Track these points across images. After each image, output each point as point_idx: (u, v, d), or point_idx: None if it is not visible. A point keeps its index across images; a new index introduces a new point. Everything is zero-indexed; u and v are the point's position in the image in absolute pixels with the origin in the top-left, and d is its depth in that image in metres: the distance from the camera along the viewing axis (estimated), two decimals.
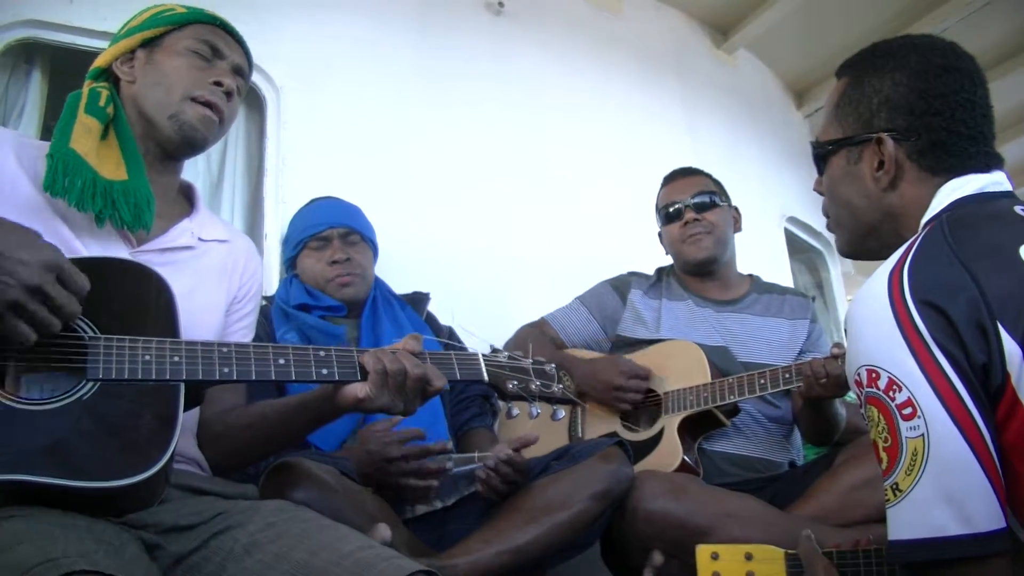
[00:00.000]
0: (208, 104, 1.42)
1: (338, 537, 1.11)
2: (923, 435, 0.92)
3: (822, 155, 1.29)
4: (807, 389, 1.96)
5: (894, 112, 1.18)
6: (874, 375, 0.97)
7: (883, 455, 0.97)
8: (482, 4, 3.28)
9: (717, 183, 2.48)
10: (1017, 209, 1.06)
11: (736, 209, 2.50)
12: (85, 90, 1.40)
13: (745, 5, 3.97)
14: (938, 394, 0.91)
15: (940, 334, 0.92)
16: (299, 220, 2.32)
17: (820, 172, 1.32)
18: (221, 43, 1.48)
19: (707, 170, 2.53)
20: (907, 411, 0.93)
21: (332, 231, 2.23)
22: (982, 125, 1.16)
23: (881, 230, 1.21)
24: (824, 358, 1.95)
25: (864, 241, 1.25)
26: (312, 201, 2.36)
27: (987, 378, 0.91)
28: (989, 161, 1.15)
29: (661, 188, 2.53)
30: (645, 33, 3.81)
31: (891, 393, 0.95)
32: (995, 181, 1.13)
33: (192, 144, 1.43)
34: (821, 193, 1.33)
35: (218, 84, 1.43)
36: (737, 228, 2.49)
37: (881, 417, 0.97)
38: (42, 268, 1.01)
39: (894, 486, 0.95)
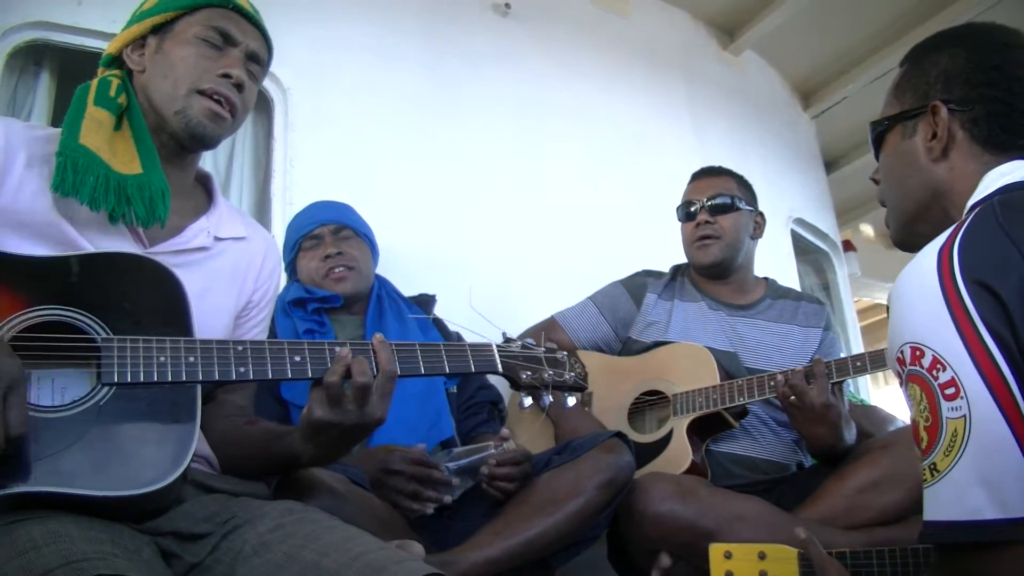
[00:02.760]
0: (216, 96, 1.34)
1: (348, 538, 1.09)
2: (965, 416, 0.90)
3: (879, 134, 1.28)
4: (786, 412, 1.98)
5: (951, 83, 1.17)
6: (918, 353, 0.95)
7: (923, 434, 0.95)
8: (489, 6, 3.28)
9: (744, 186, 2.44)
10: None
11: (760, 215, 2.45)
12: (95, 80, 1.34)
13: (752, 6, 3.97)
14: (983, 375, 0.89)
15: (989, 314, 0.90)
16: (293, 223, 2.33)
17: (876, 155, 1.30)
18: (234, 28, 1.38)
19: (726, 168, 2.50)
20: (950, 391, 0.91)
21: (323, 228, 2.23)
22: None
23: (931, 210, 1.19)
24: (802, 369, 1.95)
25: (914, 224, 1.22)
26: (305, 206, 2.36)
27: None
28: None
29: (687, 184, 2.50)
30: (651, 34, 3.81)
31: (935, 372, 0.93)
32: None
33: (200, 140, 1.36)
34: (876, 181, 1.31)
35: (227, 76, 1.34)
36: (757, 234, 2.44)
37: (924, 396, 0.95)
38: None
39: (932, 466, 0.93)
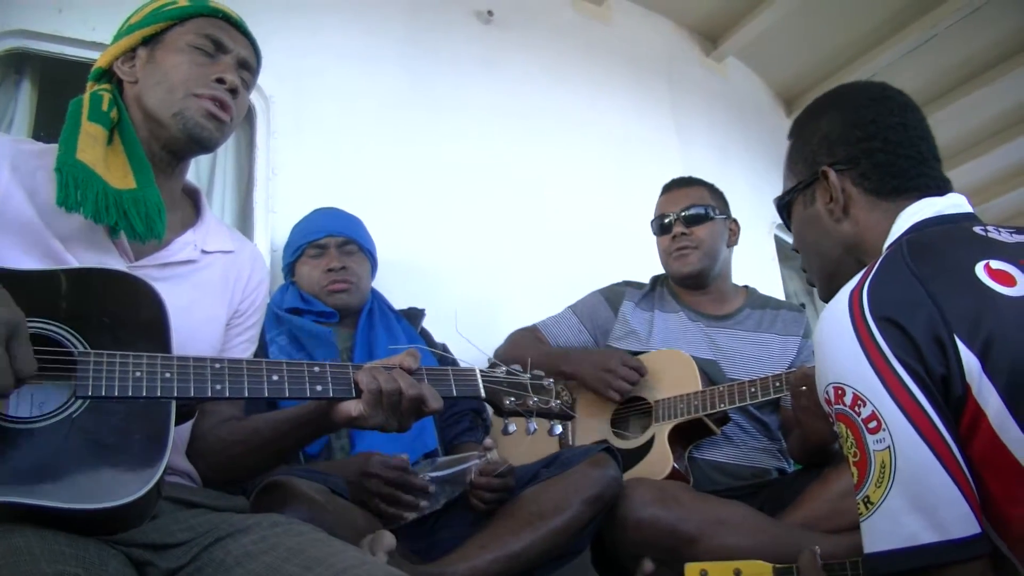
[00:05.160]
0: (213, 100, 1.35)
1: (332, 552, 1.09)
2: (889, 447, 0.93)
3: (784, 208, 1.36)
4: (793, 400, 1.97)
5: (833, 146, 1.25)
6: (840, 392, 0.99)
7: (854, 470, 0.99)
8: (472, 13, 3.29)
9: (716, 195, 2.45)
10: (976, 229, 1.08)
11: (735, 222, 2.48)
12: (87, 95, 1.34)
13: (734, 13, 3.99)
14: (900, 406, 0.93)
15: (900, 349, 0.94)
16: (300, 227, 2.33)
17: (788, 227, 1.37)
18: (224, 36, 1.40)
19: (697, 178, 2.51)
20: (872, 424, 0.95)
21: (330, 239, 2.24)
22: (919, 146, 1.21)
23: (846, 264, 1.24)
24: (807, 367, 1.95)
25: (836, 281, 1.26)
26: (315, 210, 2.37)
27: (948, 390, 0.93)
28: (939, 184, 1.19)
29: (659, 197, 2.51)
30: (634, 41, 3.82)
31: (857, 408, 0.97)
32: (954, 204, 1.16)
33: (200, 142, 1.36)
34: (797, 251, 1.37)
35: (220, 81, 1.36)
36: (732, 242, 2.46)
37: (849, 432, 0.98)
38: None
39: (866, 499, 0.96)
